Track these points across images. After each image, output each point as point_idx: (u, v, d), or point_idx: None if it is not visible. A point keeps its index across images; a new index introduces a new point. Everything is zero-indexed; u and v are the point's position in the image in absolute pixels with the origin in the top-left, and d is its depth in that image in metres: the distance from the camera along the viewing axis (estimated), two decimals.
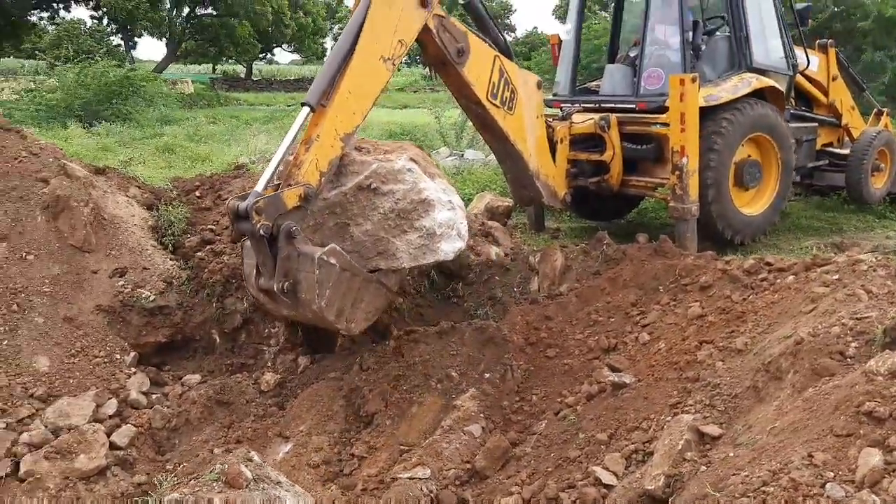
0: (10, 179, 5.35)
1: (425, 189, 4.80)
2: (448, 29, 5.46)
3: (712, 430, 3.35)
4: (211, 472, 2.85)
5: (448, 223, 4.84)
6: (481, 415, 4.58)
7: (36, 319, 4.85)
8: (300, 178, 4.52)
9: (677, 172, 6.75)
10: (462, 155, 12.37)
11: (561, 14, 65.71)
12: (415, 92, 44.27)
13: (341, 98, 4.75)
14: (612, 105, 7.63)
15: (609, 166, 7.32)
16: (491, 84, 5.76)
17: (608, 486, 3.47)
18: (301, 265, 4.39)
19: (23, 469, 4.07)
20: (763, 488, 2.54)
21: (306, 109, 4.66)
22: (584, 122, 7.32)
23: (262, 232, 4.28)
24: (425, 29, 5.32)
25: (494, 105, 5.85)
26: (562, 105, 7.90)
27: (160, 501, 2.81)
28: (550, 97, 8.26)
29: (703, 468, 3.09)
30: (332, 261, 4.45)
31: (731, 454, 3.02)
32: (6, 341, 4.66)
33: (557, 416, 4.40)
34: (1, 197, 5.20)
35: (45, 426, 4.32)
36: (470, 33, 5.68)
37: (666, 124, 6.95)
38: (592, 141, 7.39)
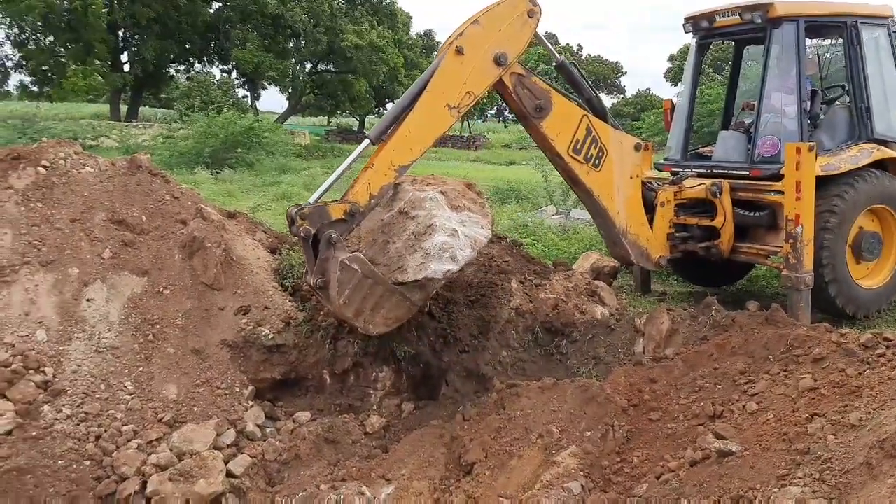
0: (154, 219, 5.85)
1: (435, 216, 5.28)
2: (527, 86, 5.90)
3: None
4: (328, 502, 3.03)
5: (443, 246, 5.20)
6: (581, 473, 4.59)
7: (168, 350, 5.24)
8: (350, 196, 5.28)
9: (791, 241, 6.63)
10: (568, 214, 12.48)
11: (672, 76, 65.33)
12: (521, 149, 44.80)
13: (402, 134, 5.39)
14: (725, 171, 7.61)
15: (720, 232, 7.28)
16: (574, 140, 6.13)
17: None
18: (331, 266, 5.05)
19: (149, 488, 4.39)
20: None
21: (367, 141, 5.51)
22: (695, 186, 7.33)
23: (302, 234, 5.06)
24: (501, 84, 5.80)
25: (576, 160, 6.19)
26: (673, 169, 7.94)
27: None
28: (661, 161, 8.32)
29: None
30: (355, 266, 5.06)
31: None
32: (141, 368, 5.06)
33: (659, 479, 4.36)
34: (146, 236, 5.69)
35: (171, 450, 4.64)
36: (554, 92, 6.06)
37: (780, 192, 6.87)
38: (703, 206, 7.38)
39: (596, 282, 7.00)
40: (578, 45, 77.09)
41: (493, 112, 64.74)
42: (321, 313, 5.89)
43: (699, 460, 4.27)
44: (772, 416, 4.45)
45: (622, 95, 71.72)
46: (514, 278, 6.40)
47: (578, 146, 6.12)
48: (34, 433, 4.46)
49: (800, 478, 3.64)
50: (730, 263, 7.96)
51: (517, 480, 4.66)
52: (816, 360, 4.75)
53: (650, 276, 8.46)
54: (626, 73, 79.18)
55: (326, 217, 5.14)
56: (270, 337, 5.62)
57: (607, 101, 74.76)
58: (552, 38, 71.99)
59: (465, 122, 59.08)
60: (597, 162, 6.22)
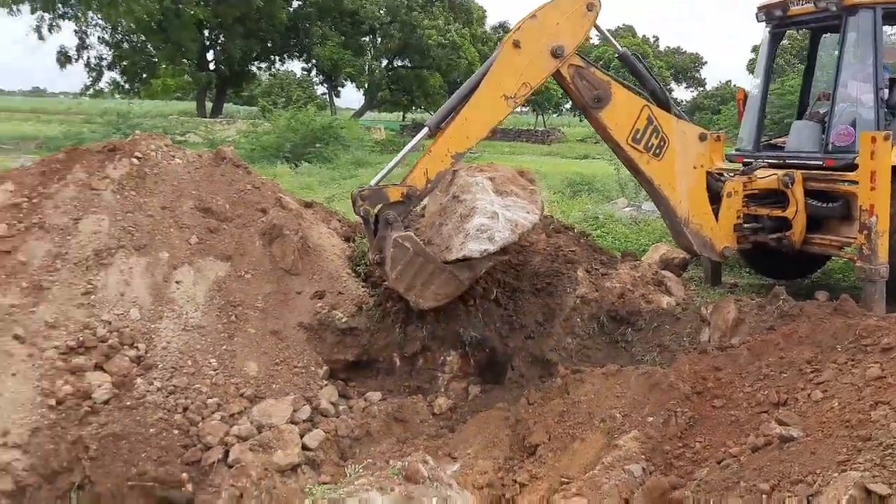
0: (237, 208, 6.20)
1: (478, 200, 5.58)
2: (585, 77, 6.04)
3: (881, 488, 3.29)
4: (393, 468, 3.26)
5: (481, 228, 5.46)
6: (642, 456, 4.67)
7: (249, 330, 5.57)
8: (409, 180, 5.63)
9: (865, 232, 6.50)
10: (639, 206, 12.43)
11: (754, 68, 63.27)
12: (596, 142, 44.37)
13: (459, 122, 5.68)
14: (798, 161, 7.49)
15: (791, 223, 7.17)
16: (634, 130, 6.22)
17: None
18: (387, 244, 5.42)
19: (231, 457, 4.72)
20: None
21: (425, 130, 5.86)
22: (766, 177, 7.25)
23: (362, 214, 5.53)
24: (560, 75, 5.97)
25: (636, 149, 6.28)
26: (744, 160, 7.85)
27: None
28: (733, 152, 8.23)
29: None
30: (407, 244, 5.39)
31: None
32: (225, 346, 5.39)
33: (720, 464, 4.41)
34: (229, 223, 6.04)
35: (251, 422, 4.96)
36: (614, 83, 6.18)
37: (855, 182, 6.74)
38: (775, 197, 7.29)
39: (663, 272, 7.02)
40: (655, 37, 75.41)
41: (568, 106, 64.20)
42: (390, 299, 6.13)
43: (761, 446, 4.30)
44: (836, 404, 4.43)
45: (702, 88, 69.95)
46: (580, 267, 6.49)
47: (638, 136, 6.21)
48: (128, 403, 4.84)
49: (860, 463, 3.65)
50: (803, 256, 7.82)
51: (579, 462, 4.79)
52: (885, 350, 4.70)
53: (721, 267, 8.38)
54: (706, 63, 76.98)
55: (385, 199, 5.52)
56: (344, 320, 5.88)
57: (686, 94, 73.03)
58: (629, 29, 70.82)
59: (540, 117, 58.77)
60: (657, 151, 6.28)
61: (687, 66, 73.13)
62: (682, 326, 6.07)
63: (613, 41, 6.57)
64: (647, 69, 6.53)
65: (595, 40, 43.14)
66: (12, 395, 4.61)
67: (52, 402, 4.66)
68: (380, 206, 5.49)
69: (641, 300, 6.30)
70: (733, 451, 4.43)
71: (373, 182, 5.73)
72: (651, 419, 4.95)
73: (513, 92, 5.75)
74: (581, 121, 66.68)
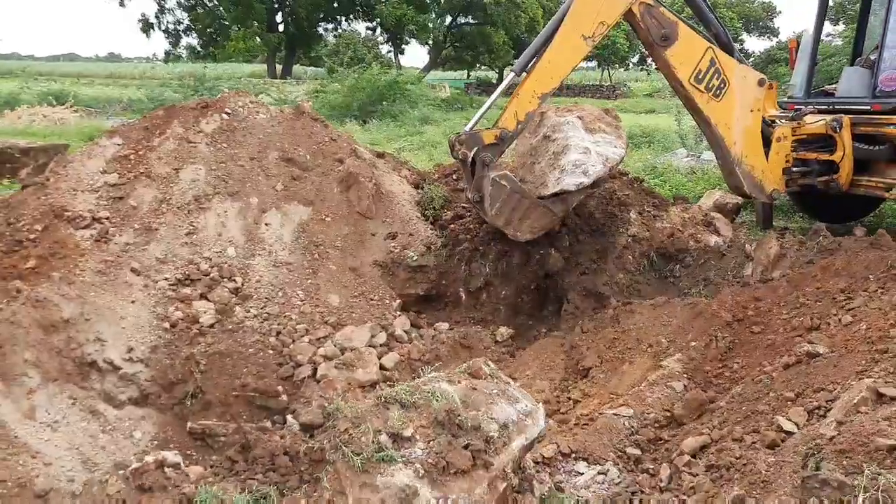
0: (316, 158, 6.83)
1: (570, 137, 6.03)
2: (654, 16, 6.38)
3: (890, 391, 3.73)
4: (458, 368, 3.86)
5: (576, 163, 5.92)
6: (684, 375, 5.15)
7: (330, 266, 6.22)
8: (500, 123, 6.11)
9: None
10: (699, 156, 12.63)
11: (831, 15, 60.51)
12: (663, 97, 43.65)
13: (542, 65, 6.10)
14: (847, 107, 7.67)
15: (839, 166, 7.39)
16: (697, 70, 6.54)
17: (788, 433, 3.96)
18: (485, 184, 5.96)
19: (319, 373, 5.38)
20: None
21: (511, 75, 6.31)
22: (815, 122, 7.47)
23: (461, 157, 6.03)
24: (630, 13, 6.31)
25: (697, 89, 6.60)
26: (795, 107, 8.05)
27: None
28: (785, 99, 8.42)
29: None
30: (504, 182, 5.93)
31: None
32: (310, 280, 6.06)
33: (754, 380, 4.87)
34: (310, 172, 6.68)
35: (335, 345, 5.61)
36: (681, 23, 6.49)
37: None
38: (823, 141, 7.50)
39: (713, 213, 7.36)
40: None
41: (635, 60, 62.88)
42: (457, 239, 6.68)
43: (792, 363, 4.73)
44: (864, 326, 4.83)
45: (776, 38, 67.37)
46: (633, 210, 6.92)
47: (700, 76, 6.53)
48: (230, 327, 5.54)
49: (876, 372, 4.09)
50: (852, 198, 8.02)
51: (628, 382, 5.30)
52: None
53: (772, 211, 8.63)
54: (779, 13, 73.59)
55: (480, 142, 6.02)
56: (414, 259, 6.49)
57: (759, 44, 70.22)
58: None
59: (605, 72, 57.84)
60: (717, 92, 6.59)
61: (759, 16, 70.52)
62: (727, 262, 6.46)
63: None
64: (713, 13, 6.83)
65: None
66: (134, 319, 5.36)
67: (167, 325, 5.40)
68: (476, 148, 5.98)
69: (690, 239, 6.69)
70: (767, 370, 4.88)
71: (467, 127, 6.19)
72: (694, 343, 5.42)
73: (590, 31, 6.11)
74: (648, 74, 65.40)
